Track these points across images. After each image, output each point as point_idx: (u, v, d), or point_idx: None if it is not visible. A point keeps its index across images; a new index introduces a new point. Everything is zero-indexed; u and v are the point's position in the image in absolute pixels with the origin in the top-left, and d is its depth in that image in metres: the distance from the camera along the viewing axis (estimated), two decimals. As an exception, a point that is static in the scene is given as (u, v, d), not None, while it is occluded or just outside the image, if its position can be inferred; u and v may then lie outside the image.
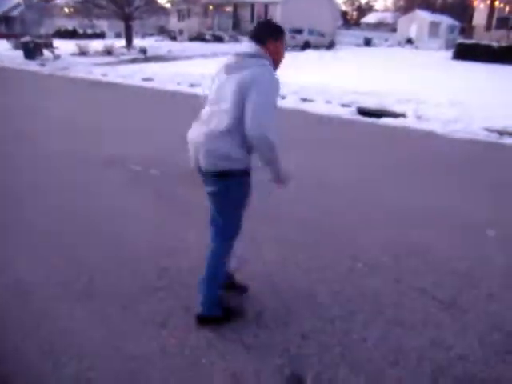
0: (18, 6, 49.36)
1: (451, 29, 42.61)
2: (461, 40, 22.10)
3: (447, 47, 30.16)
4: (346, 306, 2.62)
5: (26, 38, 22.09)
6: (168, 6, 33.49)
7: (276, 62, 2.32)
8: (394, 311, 2.58)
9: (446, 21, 43.97)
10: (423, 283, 2.87)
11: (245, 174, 2.27)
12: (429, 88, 10.97)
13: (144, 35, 42.21)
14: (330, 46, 30.31)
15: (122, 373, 2.12)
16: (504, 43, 19.11)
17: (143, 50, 23.12)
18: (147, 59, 20.58)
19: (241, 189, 2.31)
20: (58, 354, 2.23)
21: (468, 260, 3.19)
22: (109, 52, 23.37)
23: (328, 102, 9.44)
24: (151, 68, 16.17)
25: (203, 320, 2.45)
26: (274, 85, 2.15)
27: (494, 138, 6.91)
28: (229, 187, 2.27)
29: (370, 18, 71.04)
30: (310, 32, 28.97)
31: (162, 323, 2.46)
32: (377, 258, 3.18)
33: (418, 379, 2.10)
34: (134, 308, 2.59)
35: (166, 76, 13.71)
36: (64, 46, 23.69)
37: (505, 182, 4.92)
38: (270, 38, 2.27)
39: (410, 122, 7.86)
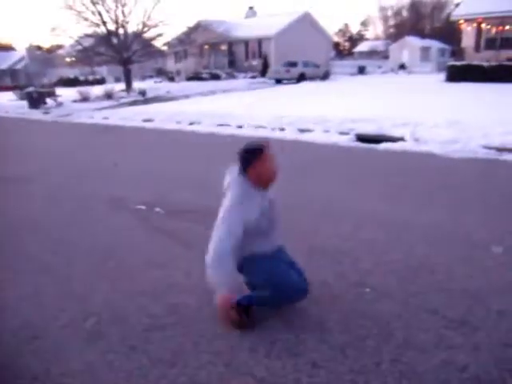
0: (22, 59, 51.29)
1: (441, 52, 43.61)
2: (452, 62, 22.48)
3: (439, 70, 30.71)
4: (356, 332, 2.60)
5: (30, 89, 22.77)
6: (165, 48, 34.45)
7: (263, 183, 2.49)
8: (404, 334, 2.56)
9: (435, 45, 45.03)
10: (432, 304, 2.85)
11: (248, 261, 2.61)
12: (425, 111, 11.12)
13: (143, 77, 43.31)
14: (325, 76, 30.88)
15: (134, 414, 2.11)
16: (494, 63, 19.45)
17: (142, 92, 23.66)
18: (147, 101, 21.03)
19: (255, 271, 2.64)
20: (69, 398, 2.22)
21: (475, 278, 3.18)
22: (109, 96, 23.91)
23: (326, 131, 9.56)
24: (151, 109, 16.50)
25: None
26: (240, 200, 2.42)
27: (493, 155, 6.96)
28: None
29: (362, 47, 72.67)
30: (305, 64, 29.56)
31: (172, 361, 2.44)
32: (383, 282, 3.18)
33: (434, 402, 2.07)
34: (142, 347, 2.58)
35: (166, 116, 13.98)
36: (66, 94, 24.31)
37: (507, 198, 4.93)
38: (248, 165, 2.42)
39: (408, 145, 7.94)
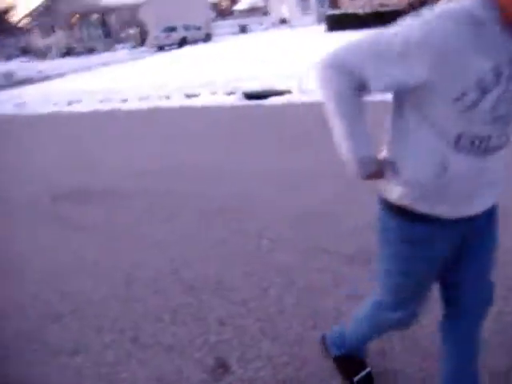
0: None
1: (321, 3, 44.14)
2: (330, 12, 22.99)
3: (319, 21, 31.02)
4: (258, 284, 2.65)
5: None
6: (25, 22, 31.10)
7: None
8: (305, 278, 2.62)
9: (314, -5, 45.59)
10: (325, 244, 2.97)
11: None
12: (309, 62, 11.34)
13: (8, 57, 38.91)
14: (207, 38, 30.31)
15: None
16: (368, 10, 20.32)
17: (7, 75, 21.28)
18: (15, 84, 19.00)
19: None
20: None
21: (360, 216, 3.19)
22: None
23: (213, 93, 9.45)
24: (22, 92, 15.03)
25: None
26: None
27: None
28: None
29: (241, 5, 71.76)
30: (186, 28, 28.67)
31: (74, 349, 2.31)
32: (279, 231, 3.26)
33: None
34: (41, 339, 2.43)
35: (40, 98, 12.80)
36: None
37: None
38: None
39: (296, 97, 8.05)
